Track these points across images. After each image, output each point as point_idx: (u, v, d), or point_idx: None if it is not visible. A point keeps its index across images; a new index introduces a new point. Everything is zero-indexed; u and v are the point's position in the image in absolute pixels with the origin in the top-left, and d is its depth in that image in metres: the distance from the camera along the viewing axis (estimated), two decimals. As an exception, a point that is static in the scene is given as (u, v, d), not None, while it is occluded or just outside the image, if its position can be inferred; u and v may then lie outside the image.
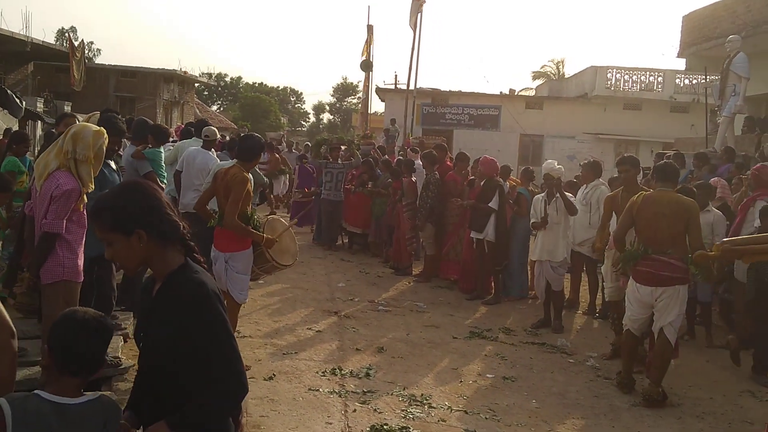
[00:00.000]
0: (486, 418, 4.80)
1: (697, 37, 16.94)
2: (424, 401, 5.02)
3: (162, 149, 7.29)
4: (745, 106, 11.94)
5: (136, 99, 31.94)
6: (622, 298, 6.35)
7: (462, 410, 4.91)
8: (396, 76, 28.22)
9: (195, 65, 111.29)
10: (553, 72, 42.74)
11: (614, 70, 26.54)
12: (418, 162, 10.24)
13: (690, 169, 10.24)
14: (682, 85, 25.64)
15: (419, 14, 17.95)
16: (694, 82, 24.26)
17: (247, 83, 73.56)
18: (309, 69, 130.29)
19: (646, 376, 5.56)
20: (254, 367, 5.46)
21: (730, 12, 15.53)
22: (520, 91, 35.45)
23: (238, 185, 5.11)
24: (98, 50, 56.20)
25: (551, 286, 7.42)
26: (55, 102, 22.20)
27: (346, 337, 6.61)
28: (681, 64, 20.69)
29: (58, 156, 4.06)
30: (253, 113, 57.31)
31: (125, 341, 5.76)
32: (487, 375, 5.77)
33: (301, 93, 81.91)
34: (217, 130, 8.26)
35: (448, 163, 10.41)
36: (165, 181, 7.36)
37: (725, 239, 3.49)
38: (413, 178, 10.07)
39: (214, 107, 63.62)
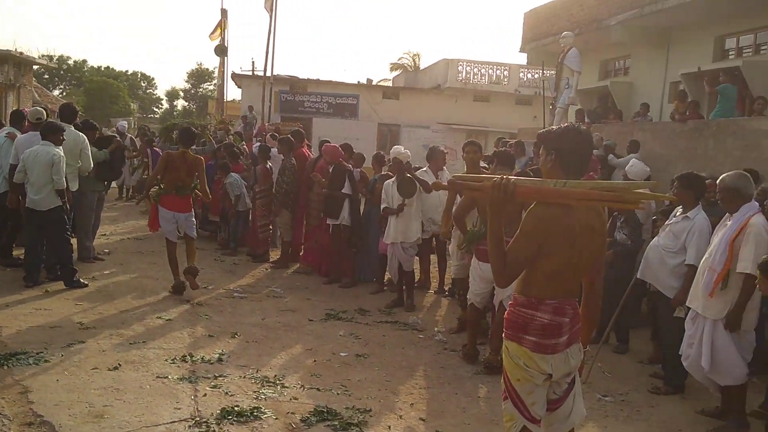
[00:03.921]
0: (338, 394, 4.92)
1: (537, 33, 18.09)
2: (277, 382, 5.06)
3: None
4: (577, 98, 12.96)
5: (-37, 81, 28.93)
6: (467, 275, 6.74)
7: (314, 388, 5.00)
8: (253, 62, 27.66)
9: (33, 46, 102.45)
10: (409, 64, 43.76)
11: (464, 64, 27.76)
12: (274, 150, 10.15)
13: (530, 155, 10.98)
14: (525, 79, 27.33)
15: (275, -1, 17.76)
16: (536, 76, 25.91)
17: (92, 67, 69.32)
18: (161, 53, 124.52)
19: (488, 346, 5.92)
20: (98, 358, 5.24)
21: (566, 10, 16.71)
22: (379, 81, 36.08)
23: (202, 165, 7.61)
24: None
25: (402, 267, 7.69)
26: None
27: (198, 325, 6.48)
28: (524, 58, 21.95)
29: None
30: (100, 98, 54.10)
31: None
32: (341, 354, 5.90)
33: (153, 78, 78.37)
34: (44, 111, 8.18)
35: (305, 149, 10.44)
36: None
37: (456, 174, 3.78)
38: (269, 165, 10.00)
39: (56, 92, 59.28)
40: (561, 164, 2.95)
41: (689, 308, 4.98)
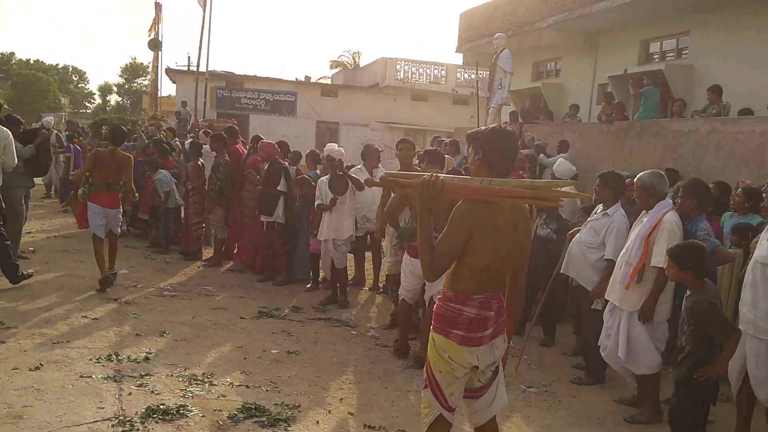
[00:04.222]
0: (267, 390, 4.91)
1: (472, 34, 18.37)
2: (205, 380, 5.02)
3: None
4: (510, 99, 13.24)
5: None
6: (400, 271, 6.82)
7: (244, 385, 4.98)
8: (189, 57, 27.23)
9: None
10: (349, 62, 43.75)
11: (403, 63, 27.98)
12: (207, 147, 10.00)
13: (464, 154, 11.17)
14: (462, 79, 27.75)
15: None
16: (473, 76, 26.37)
17: (20, 60, 66.57)
18: (94, 47, 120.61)
19: (419, 341, 6.00)
20: (19, 358, 5.09)
21: (499, 12, 17.04)
22: (318, 79, 35.96)
23: (130, 163, 7.86)
24: None
25: (335, 264, 7.71)
26: None
27: (126, 324, 6.35)
28: (461, 59, 22.30)
29: None
30: (29, 93, 52.15)
31: None
32: (272, 351, 5.89)
33: (85, 72, 75.95)
34: None
35: (239, 146, 10.33)
36: None
37: (388, 171, 3.91)
38: (201, 161, 9.87)
39: (-19, 85, 56.76)
40: (488, 163, 3.07)
41: (607, 301, 5.19)
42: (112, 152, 7.73)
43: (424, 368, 3.17)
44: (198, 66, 16.97)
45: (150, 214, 10.65)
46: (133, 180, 7.97)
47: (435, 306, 3.16)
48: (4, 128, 7.84)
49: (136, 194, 8.29)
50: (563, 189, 3.41)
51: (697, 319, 3.79)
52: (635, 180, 5.20)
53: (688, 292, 4.01)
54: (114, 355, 5.38)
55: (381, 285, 8.75)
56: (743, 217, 5.92)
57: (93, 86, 74.83)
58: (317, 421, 4.47)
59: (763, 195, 5.88)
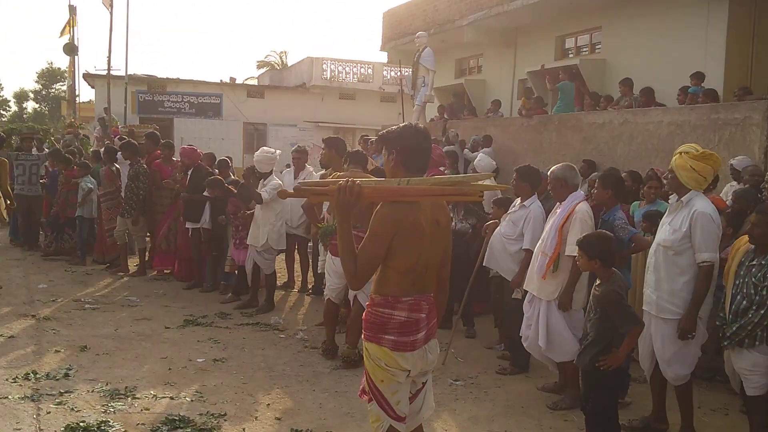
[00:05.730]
0: (192, 401, 4.84)
1: (396, 32, 18.52)
2: (128, 393, 4.90)
3: None
4: (433, 96, 13.41)
5: None
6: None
7: (168, 397, 4.89)
8: (109, 61, 26.26)
9: None
10: (276, 62, 43.23)
11: (329, 62, 27.90)
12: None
13: (390, 152, 11.25)
14: (389, 77, 27.89)
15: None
16: (398, 74, 26.55)
17: (-76, 68, 63.02)
18: (6, 51, 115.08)
19: (345, 341, 6.02)
20: (-76, 385, 4.84)
21: (421, 11, 17.23)
22: (246, 80, 35.44)
23: (5, 168, 8.40)
24: None
25: (261, 270, 7.64)
26: None
27: (44, 340, 6.13)
28: (386, 57, 22.40)
29: None
30: (-65, 102, 49.44)
31: None
32: (198, 360, 5.80)
33: (-2, 79, 72.30)
34: None
35: (159, 152, 10.10)
36: None
37: (301, 181, 3.89)
38: (115, 167, 9.63)
39: None
40: (403, 162, 3.03)
41: (526, 290, 5.35)
42: None
43: (365, 380, 3.08)
44: (109, 69, 16.43)
45: (48, 222, 10.32)
46: (9, 183, 8.62)
47: (364, 314, 3.07)
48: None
49: (14, 202, 8.91)
50: (483, 182, 3.45)
51: (604, 308, 3.94)
52: (549, 173, 5.37)
53: (597, 281, 4.18)
54: (32, 374, 5.18)
55: (310, 286, 8.74)
56: (652, 205, 6.19)
57: (8, 93, 71.09)
58: (243, 429, 4.44)
59: (664, 181, 6.15)
